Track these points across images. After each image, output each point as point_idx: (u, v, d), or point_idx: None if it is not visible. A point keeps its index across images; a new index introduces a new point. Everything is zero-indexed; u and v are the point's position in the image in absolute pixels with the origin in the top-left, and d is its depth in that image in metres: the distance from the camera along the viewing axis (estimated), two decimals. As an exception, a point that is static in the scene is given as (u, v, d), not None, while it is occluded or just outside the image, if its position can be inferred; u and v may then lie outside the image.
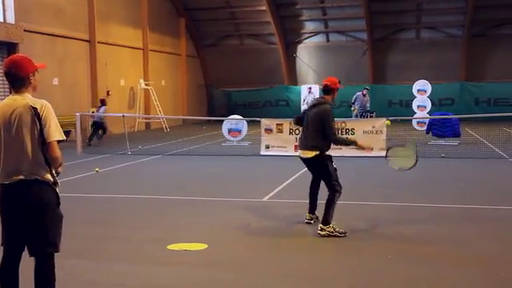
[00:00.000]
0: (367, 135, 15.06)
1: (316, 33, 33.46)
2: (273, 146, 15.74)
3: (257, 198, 9.36)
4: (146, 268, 5.73)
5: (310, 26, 33.42)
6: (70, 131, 21.31)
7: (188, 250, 6.28)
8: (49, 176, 4.02)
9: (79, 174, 12.27)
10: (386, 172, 12.30)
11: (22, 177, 3.93)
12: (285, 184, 10.77)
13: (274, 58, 33.53)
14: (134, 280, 5.36)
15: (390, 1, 30.62)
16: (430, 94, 23.26)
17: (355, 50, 32.43)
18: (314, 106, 7.21)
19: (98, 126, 19.70)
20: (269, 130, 15.83)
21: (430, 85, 23.38)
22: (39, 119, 3.97)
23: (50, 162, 4.03)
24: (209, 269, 5.67)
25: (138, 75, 27.67)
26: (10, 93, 4.21)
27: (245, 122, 18.72)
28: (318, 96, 19.20)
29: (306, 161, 7.18)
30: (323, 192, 7.20)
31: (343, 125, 15.33)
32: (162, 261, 5.94)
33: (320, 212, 7.03)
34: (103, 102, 20.29)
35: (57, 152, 4.03)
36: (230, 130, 18.84)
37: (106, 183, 11.38)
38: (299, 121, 7.50)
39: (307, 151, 7.07)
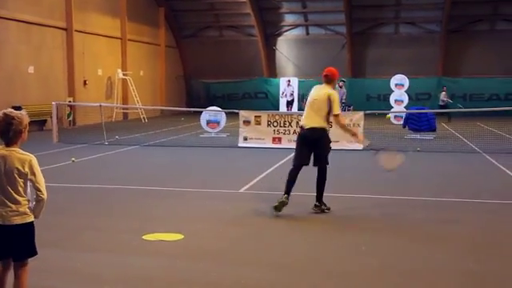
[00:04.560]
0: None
1: (296, 26, 33.51)
2: (251, 138, 15.78)
3: (233, 189, 9.39)
4: (121, 258, 5.73)
5: (289, 19, 33.45)
6: (45, 120, 21.08)
7: (164, 240, 6.29)
8: (326, 127, 7.57)
9: (55, 163, 12.15)
10: (361, 165, 12.45)
11: (315, 125, 7.46)
12: (262, 176, 10.81)
13: (253, 50, 33.49)
14: (108, 270, 5.35)
15: (370, -5, 30.80)
16: (408, 88, 23.52)
17: (334, 43, 32.57)
18: None
19: None
20: (247, 122, 15.85)
21: (407, 79, 23.65)
22: (330, 101, 7.45)
23: (328, 121, 7.60)
24: (184, 259, 5.69)
25: (116, 65, 27.40)
26: None
27: (223, 114, 18.71)
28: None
29: None
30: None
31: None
32: (138, 251, 5.94)
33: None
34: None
35: (342, 120, 7.72)
36: (208, 122, 18.82)
37: (82, 173, 11.30)
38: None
39: None
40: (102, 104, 19.67)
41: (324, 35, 33.24)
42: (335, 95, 7.56)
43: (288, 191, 7.44)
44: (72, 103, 22.51)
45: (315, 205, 7.59)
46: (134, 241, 6.26)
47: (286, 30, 33.80)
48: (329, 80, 7.72)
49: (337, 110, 7.46)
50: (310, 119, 7.51)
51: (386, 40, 32.28)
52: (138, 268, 5.41)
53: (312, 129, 7.44)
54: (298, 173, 7.50)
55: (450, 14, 30.23)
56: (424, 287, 5.00)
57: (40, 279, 4.72)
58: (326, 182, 7.62)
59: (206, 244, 6.23)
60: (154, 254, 5.82)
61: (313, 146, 7.47)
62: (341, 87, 22.33)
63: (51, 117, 18.18)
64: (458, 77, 31.08)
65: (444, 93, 25.27)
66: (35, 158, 4.05)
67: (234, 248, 6.12)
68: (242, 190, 9.36)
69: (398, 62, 30.81)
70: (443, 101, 25.04)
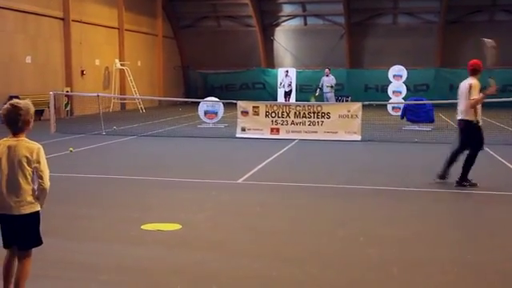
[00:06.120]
0: (342, 119, 15.16)
1: (293, 16, 33.39)
2: (249, 129, 15.76)
3: (232, 179, 9.39)
4: (119, 247, 5.73)
5: (287, 9, 33.32)
6: (43, 110, 21.02)
7: (162, 230, 6.30)
8: (470, 118, 8.39)
9: (53, 153, 12.09)
10: (361, 157, 12.47)
11: (460, 117, 8.50)
12: (260, 166, 10.81)
13: (251, 40, 33.39)
14: (106, 259, 5.36)
15: (368, -15, 30.69)
16: (406, 79, 23.45)
17: (332, 33, 32.47)
18: None
19: None
20: (245, 113, 15.83)
21: (405, 70, 23.57)
22: (471, 88, 8.14)
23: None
24: (182, 249, 5.70)
25: (114, 55, 27.29)
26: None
27: (221, 104, 18.67)
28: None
29: None
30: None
31: (319, 108, 15.40)
32: (136, 240, 5.94)
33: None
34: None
35: (471, 102, 8.21)
36: (206, 112, 18.78)
37: (80, 163, 11.28)
38: None
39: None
40: (100, 94, 19.60)
41: (322, 25, 33.12)
42: (476, 83, 8.30)
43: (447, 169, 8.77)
44: (69, 93, 22.44)
45: (456, 181, 8.59)
46: (132, 231, 6.26)
47: (284, 21, 33.67)
48: (474, 72, 8.47)
49: (473, 95, 8.20)
50: (459, 111, 8.51)
51: (384, 30, 32.18)
52: (136, 258, 5.41)
53: (459, 120, 8.54)
54: (458, 155, 8.69)
55: (449, 5, 30.13)
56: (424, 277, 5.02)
57: (37, 268, 4.71)
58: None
59: (203, 234, 6.23)
60: (152, 244, 5.82)
61: (461, 134, 8.55)
62: (327, 75, 22.63)
63: (49, 107, 18.13)
64: (457, 68, 30.98)
65: None
66: (42, 148, 4.12)
67: (232, 238, 6.13)
68: (240, 181, 9.36)
69: (396, 53, 30.73)
70: None
